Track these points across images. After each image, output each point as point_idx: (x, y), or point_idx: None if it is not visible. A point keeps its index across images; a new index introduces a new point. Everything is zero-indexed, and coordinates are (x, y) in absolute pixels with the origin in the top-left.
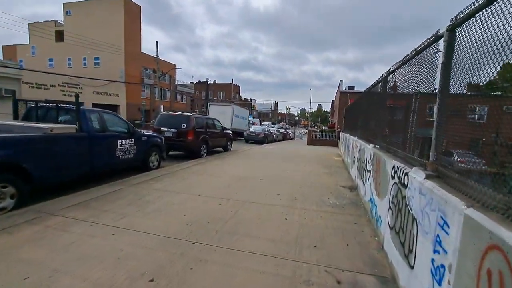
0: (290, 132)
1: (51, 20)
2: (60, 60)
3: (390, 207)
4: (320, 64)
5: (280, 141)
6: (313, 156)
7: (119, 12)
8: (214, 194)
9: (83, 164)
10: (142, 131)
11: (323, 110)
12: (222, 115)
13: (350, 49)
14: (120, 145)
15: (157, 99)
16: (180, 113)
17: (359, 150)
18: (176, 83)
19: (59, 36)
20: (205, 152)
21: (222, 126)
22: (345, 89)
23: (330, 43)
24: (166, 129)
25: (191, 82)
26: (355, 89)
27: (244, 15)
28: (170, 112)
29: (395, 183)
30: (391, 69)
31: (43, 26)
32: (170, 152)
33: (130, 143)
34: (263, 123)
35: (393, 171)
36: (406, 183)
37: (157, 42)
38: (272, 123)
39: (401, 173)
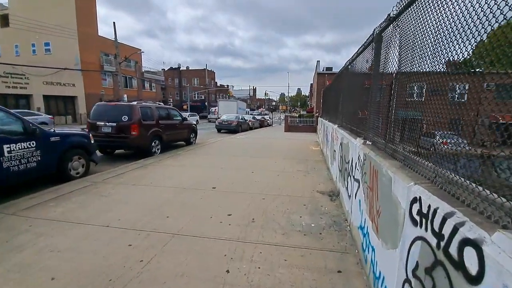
0: (268, 119)
1: None
2: (5, 48)
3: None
4: (298, 48)
5: (256, 129)
6: (288, 146)
7: None
8: (133, 222)
9: None
10: (53, 129)
11: (302, 94)
12: (229, 108)
13: (328, 32)
14: (9, 152)
15: (121, 88)
16: (122, 102)
17: (341, 144)
18: (143, 70)
19: (4, 20)
20: (158, 149)
21: (181, 115)
22: (323, 70)
23: (308, 26)
24: (103, 123)
25: (162, 69)
26: (333, 70)
27: None
28: (107, 102)
29: (422, 239)
30: (392, 15)
31: None
32: (117, 151)
33: (28, 147)
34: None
35: (414, 209)
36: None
37: (114, 23)
38: (251, 109)
39: (445, 226)
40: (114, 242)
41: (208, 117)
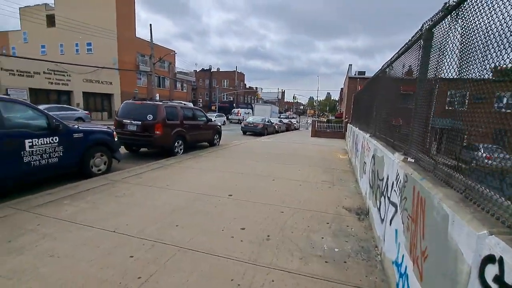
0: (295, 122)
1: (42, 4)
2: (52, 46)
3: None
4: (329, 52)
5: (282, 132)
6: (314, 152)
7: None
8: (141, 228)
9: None
10: (77, 126)
11: (332, 98)
12: (263, 111)
13: (361, 35)
14: (31, 147)
15: (154, 88)
16: (148, 101)
17: (374, 156)
18: (176, 71)
19: (51, 21)
20: (181, 149)
21: (206, 116)
22: (355, 74)
23: (340, 30)
24: (129, 121)
25: (194, 70)
26: (366, 75)
27: (252, 1)
28: (134, 100)
29: None
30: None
31: (33, 10)
32: (142, 149)
33: (51, 142)
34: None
35: (489, 273)
36: None
37: (150, 25)
38: (279, 112)
39: None
40: (115, 252)
41: (229, 117)
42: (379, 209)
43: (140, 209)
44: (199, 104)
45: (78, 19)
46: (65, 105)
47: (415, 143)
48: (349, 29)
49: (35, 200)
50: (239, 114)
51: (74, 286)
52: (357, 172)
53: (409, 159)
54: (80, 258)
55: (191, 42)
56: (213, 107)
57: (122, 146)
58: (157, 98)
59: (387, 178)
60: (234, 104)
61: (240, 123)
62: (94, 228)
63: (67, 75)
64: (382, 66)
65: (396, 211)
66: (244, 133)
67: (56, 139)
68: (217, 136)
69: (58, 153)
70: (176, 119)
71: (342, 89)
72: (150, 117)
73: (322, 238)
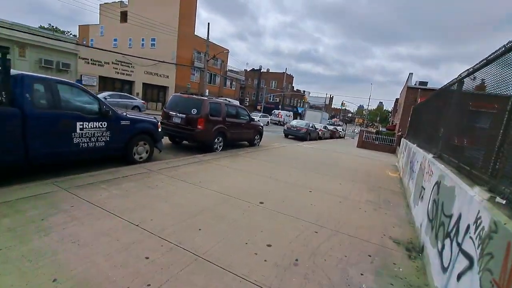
0: (340, 130)
1: (118, 1)
2: (122, 40)
3: None
4: (386, 59)
5: (326, 139)
6: (358, 166)
7: None
8: (164, 227)
9: (11, 151)
10: (125, 113)
11: (384, 109)
12: (315, 117)
13: (425, 44)
14: (81, 129)
15: (206, 83)
16: (195, 96)
17: (438, 184)
18: (227, 69)
19: (124, 17)
20: (220, 146)
21: (249, 115)
22: (415, 84)
23: (401, 36)
24: (174, 113)
25: (245, 69)
26: (428, 86)
27: (309, 3)
28: (182, 94)
29: None
30: None
31: (110, 7)
32: (185, 142)
33: (100, 127)
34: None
35: None
36: None
37: (208, 24)
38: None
39: None
40: (133, 249)
41: (270, 118)
42: (440, 253)
43: (167, 205)
44: (246, 103)
45: (146, 16)
46: (125, 93)
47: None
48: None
49: (77, 180)
50: (280, 116)
51: (85, 280)
52: (410, 197)
53: (498, 199)
54: (98, 250)
55: (245, 42)
56: (258, 107)
57: (165, 137)
58: (207, 93)
59: (459, 218)
60: (280, 106)
61: (280, 124)
62: (120, 219)
63: (131, 66)
64: (460, 74)
65: (470, 267)
66: (286, 136)
67: (104, 124)
68: (258, 136)
69: (105, 138)
70: (219, 116)
71: (397, 99)
72: (194, 111)
73: (362, 274)
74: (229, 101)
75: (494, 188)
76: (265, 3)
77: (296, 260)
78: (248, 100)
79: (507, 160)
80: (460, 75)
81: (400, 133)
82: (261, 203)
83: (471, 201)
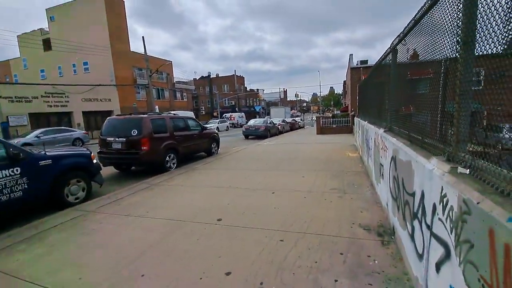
0: (299, 121)
1: (38, 29)
2: (50, 69)
3: None
4: (328, 47)
5: (286, 132)
6: (319, 153)
7: (101, 9)
8: (93, 286)
9: None
10: (44, 152)
11: (336, 93)
12: (279, 113)
13: (359, 27)
14: None
15: (153, 100)
16: (131, 115)
17: (393, 159)
18: (174, 81)
19: (47, 44)
20: (174, 163)
21: (200, 125)
22: (357, 64)
23: (338, 23)
24: (113, 138)
25: (194, 78)
26: (369, 63)
27: (245, 5)
28: (117, 116)
29: None
30: None
31: (30, 36)
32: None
33: (11, 174)
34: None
35: None
36: None
37: (143, 37)
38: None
39: None
40: None
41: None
42: (411, 236)
43: (104, 252)
44: (202, 112)
45: (72, 40)
46: (62, 127)
47: (472, 136)
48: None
49: None
50: (232, 119)
51: None
52: (372, 175)
53: (460, 169)
54: None
55: (190, 51)
56: (215, 113)
57: (110, 166)
58: (157, 110)
59: (422, 196)
60: (236, 109)
61: (238, 126)
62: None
63: (65, 96)
64: (392, 43)
65: (448, 256)
66: (246, 137)
67: (17, 170)
68: (215, 144)
69: (21, 186)
70: (165, 132)
71: (344, 81)
72: (134, 132)
73: (336, 281)
74: (174, 114)
75: (453, 157)
76: (200, 9)
77: (261, 284)
78: (203, 109)
79: (458, 121)
80: (392, 43)
81: (353, 113)
82: (219, 220)
83: (431, 176)
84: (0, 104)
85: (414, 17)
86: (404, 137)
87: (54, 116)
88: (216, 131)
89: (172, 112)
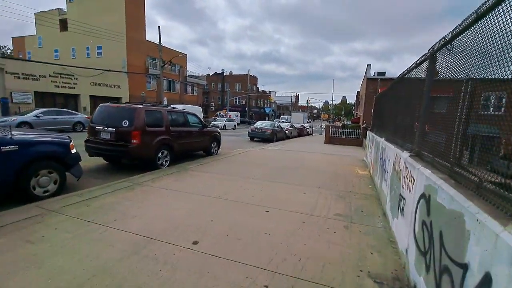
0: (308, 127)
1: (56, 9)
2: (64, 50)
3: None
4: (344, 55)
5: (293, 138)
6: (326, 165)
7: None
8: None
9: None
10: (9, 136)
11: (348, 102)
12: (298, 118)
13: (378, 38)
14: None
15: (162, 91)
16: (125, 104)
17: (425, 198)
18: (186, 75)
19: (63, 25)
20: (166, 161)
21: (201, 122)
22: (374, 75)
23: (355, 33)
24: (102, 127)
25: (207, 74)
26: (387, 76)
27: (266, 7)
28: (110, 103)
29: None
30: None
31: (48, 15)
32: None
33: None
34: (281, 116)
35: None
36: None
37: (159, 27)
38: (278, 117)
39: None
40: None
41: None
42: None
43: (42, 272)
44: (211, 108)
45: (89, 23)
46: (64, 109)
47: None
48: (365, 31)
49: None
50: (229, 116)
51: None
52: (386, 203)
53: None
54: None
55: (207, 47)
56: (223, 111)
57: (100, 157)
58: (165, 101)
59: (487, 280)
60: (247, 108)
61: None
62: None
63: (74, 78)
64: (432, 47)
65: None
66: (252, 139)
67: None
68: (215, 144)
69: None
70: (160, 126)
71: (358, 92)
72: (126, 123)
73: None
74: (173, 107)
75: None
76: (221, 7)
77: None
78: (213, 105)
79: None
80: (432, 48)
81: (364, 125)
82: (195, 243)
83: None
84: (5, 79)
85: (476, 11)
86: (444, 171)
87: (60, 97)
88: (218, 130)
89: (178, 105)
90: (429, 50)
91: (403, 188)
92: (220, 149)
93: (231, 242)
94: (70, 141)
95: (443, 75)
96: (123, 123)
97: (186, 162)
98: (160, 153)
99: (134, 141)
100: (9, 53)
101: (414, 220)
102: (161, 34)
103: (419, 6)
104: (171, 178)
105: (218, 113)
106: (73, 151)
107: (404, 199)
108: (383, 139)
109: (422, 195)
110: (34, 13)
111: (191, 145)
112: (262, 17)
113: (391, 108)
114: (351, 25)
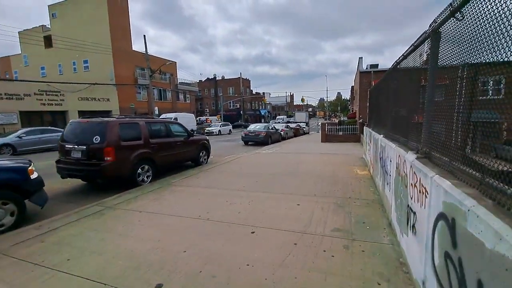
0: (304, 126)
1: (39, 26)
2: (51, 67)
3: None
4: (336, 52)
5: (290, 139)
6: (322, 167)
7: (102, 5)
8: None
9: None
10: None
11: (343, 98)
12: (301, 116)
13: (369, 33)
14: None
15: (153, 100)
16: (97, 118)
17: (449, 225)
18: (177, 82)
19: (48, 41)
20: (148, 176)
21: (187, 131)
22: (366, 68)
23: (346, 29)
24: (71, 146)
25: (200, 80)
26: (380, 68)
27: (254, 9)
28: (81, 119)
29: None
30: None
31: (32, 32)
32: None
33: None
34: (277, 117)
35: None
36: None
37: (144, 36)
38: (289, 116)
39: None
40: None
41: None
42: None
43: None
44: (206, 114)
45: (73, 37)
46: (47, 127)
47: None
48: (356, 27)
49: None
50: (208, 121)
51: None
52: (391, 212)
53: None
54: None
55: (199, 54)
56: (218, 116)
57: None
58: (156, 111)
59: None
60: (241, 112)
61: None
62: None
63: (61, 94)
64: (435, 20)
65: None
66: (246, 143)
67: None
68: (204, 152)
69: None
70: (138, 138)
71: (352, 87)
72: (97, 139)
73: None
74: (153, 118)
75: None
76: (210, 13)
77: None
78: (208, 111)
79: None
80: (434, 21)
81: (361, 120)
82: (159, 286)
83: None
84: None
85: None
86: (472, 184)
87: (48, 115)
88: (207, 138)
89: (170, 114)
90: (430, 26)
91: (411, 199)
92: (211, 157)
93: (203, 283)
94: (29, 165)
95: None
96: (94, 139)
97: (171, 175)
98: (140, 169)
99: (108, 158)
100: None
101: (431, 246)
102: (147, 43)
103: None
104: (150, 197)
105: (198, 118)
106: (33, 176)
107: (414, 213)
108: (382, 135)
109: (441, 216)
110: (18, 32)
111: (176, 157)
112: (251, 20)
113: (387, 100)
114: (341, 22)
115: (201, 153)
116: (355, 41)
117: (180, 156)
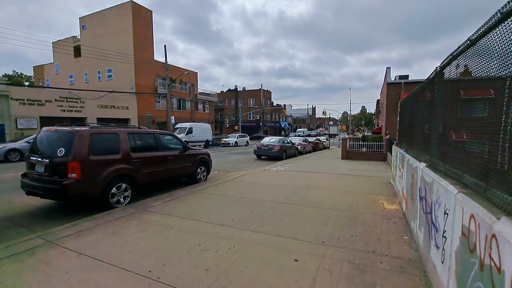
0: (324, 140)
1: (71, 36)
2: (78, 75)
3: None
4: (361, 65)
5: (307, 153)
6: (339, 196)
7: (127, 17)
8: None
9: None
10: None
11: (367, 112)
12: (334, 129)
13: (395, 46)
14: None
15: (171, 110)
16: (66, 127)
17: None
18: (197, 92)
19: (77, 51)
20: (126, 197)
21: (182, 143)
22: (395, 79)
23: (371, 43)
24: (35, 158)
25: (222, 91)
26: (410, 79)
27: (278, 24)
28: (51, 127)
29: None
30: None
31: (63, 43)
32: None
33: None
34: (297, 129)
35: None
36: None
37: (165, 46)
38: (309, 129)
39: None
40: None
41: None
42: None
43: None
44: (226, 125)
45: (100, 47)
46: None
47: None
48: (381, 41)
49: None
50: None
51: None
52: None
53: None
54: None
55: (224, 66)
56: (236, 127)
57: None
58: (173, 120)
59: None
60: (261, 123)
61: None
62: None
63: (81, 101)
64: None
65: None
66: (259, 157)
67: None
68: (203, 168)
69: None
70: (115, 152)
71: (378, 100)
72: (61, 151)
73: None
74: (140, 128)
75: None
76: (237, 28)
77: None
78: (228, 122)
79: None
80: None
81: (388, 136)
82: None
83: None
84: (10, 105)
85: None
86: None
87: (67, 121)
88: (208, 152)
89: (185, 124)
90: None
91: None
92: (215, 172)
93: None
94: None
95: None
96: (58, 151)
97: (158, 195)
98: (114, 188)
99: (72, 175)
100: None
101: None
102: (166, 53)
103: (438, 10)
104: (108, 228)
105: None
106: None
107: None
108: (423, 164)
109: None
110: (52, 42)
111: (167, 173)
112: (276, 35)
113: (432, 113)
114: (366, 35)
115: (199, 169)
116: (381, 55)
117: (171, 172)
